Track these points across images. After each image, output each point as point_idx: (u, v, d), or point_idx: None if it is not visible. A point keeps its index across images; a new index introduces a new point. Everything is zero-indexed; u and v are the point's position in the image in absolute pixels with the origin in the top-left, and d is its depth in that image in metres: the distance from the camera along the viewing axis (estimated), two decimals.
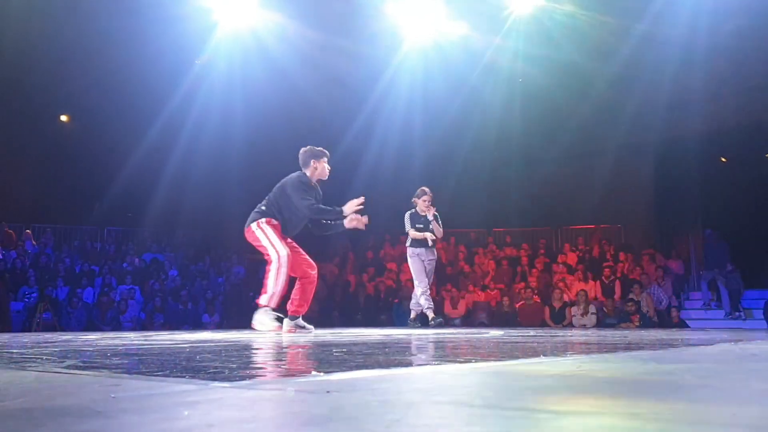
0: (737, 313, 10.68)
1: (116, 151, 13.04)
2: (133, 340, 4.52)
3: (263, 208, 5.53)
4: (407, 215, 7.86)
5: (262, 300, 5.41)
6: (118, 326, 10.82)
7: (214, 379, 1.77)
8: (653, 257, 12.16)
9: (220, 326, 11.23)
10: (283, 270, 5.32)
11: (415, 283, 7.87)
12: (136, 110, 12.29)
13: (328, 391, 1.46)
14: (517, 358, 2.64)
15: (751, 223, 11.60)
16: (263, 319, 5.40)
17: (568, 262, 12.70)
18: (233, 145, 13.22)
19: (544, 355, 2.71)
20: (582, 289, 11.25)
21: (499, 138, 13.66)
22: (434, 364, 2.26)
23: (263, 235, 5.39)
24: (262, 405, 1.36)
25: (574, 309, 10.96)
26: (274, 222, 5.44)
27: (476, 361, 2.50)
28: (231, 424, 1.13)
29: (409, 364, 2.24)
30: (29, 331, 9.79)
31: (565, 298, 11.36)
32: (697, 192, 12.10)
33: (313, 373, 1.85)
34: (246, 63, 11.42)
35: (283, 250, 5.33)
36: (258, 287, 5.77)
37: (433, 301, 12.39)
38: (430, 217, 7.75)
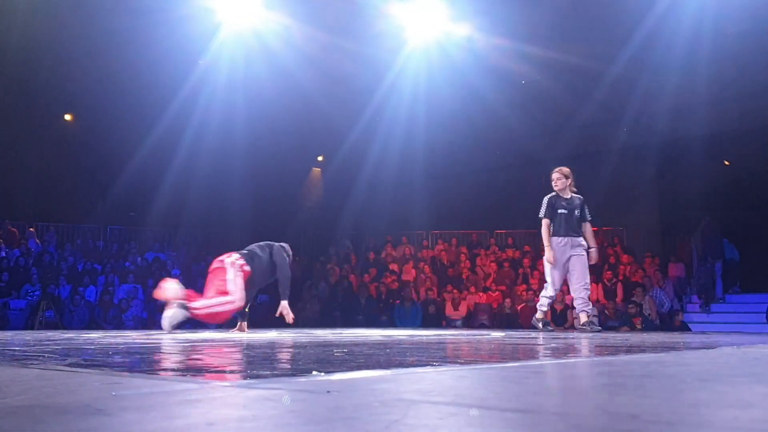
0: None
1: (119, 151, 13.06)
2: (135, 339, 4.53)
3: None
4: (546, 199, 6.39)
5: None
6: (120, 325, 10.84)
7: (215, 378, 1.77)
8: (655, 260, 12.13)
9: (221, 326, 11.21)
10: None
11: (547, 280, 6.55)
12: (140, 110, 12.31)
13: (328, 391, 1.46)
14: (518, 360, 2.63)
15: (754, 226, 11.57)
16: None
17: None
18: (236, 145, 13.23)
19: (544, 357, 2.70)
20: None
21: (502, 139, 13.64)
22: (435, 365, 2.26)
23: None
24: (262, 404, 1.36)
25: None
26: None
27: (477, 362, 2.50)
28: (231, 423, 1.13)
29: (409, 365, 2.24)
30: (32, 328, 9.81)
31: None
32: (699, 195, 12.06)
33: (314, 372, 1.85)
34: (249, 63, 11.43)
35: None
36: None
37: (434, 303, 12.46)
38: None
